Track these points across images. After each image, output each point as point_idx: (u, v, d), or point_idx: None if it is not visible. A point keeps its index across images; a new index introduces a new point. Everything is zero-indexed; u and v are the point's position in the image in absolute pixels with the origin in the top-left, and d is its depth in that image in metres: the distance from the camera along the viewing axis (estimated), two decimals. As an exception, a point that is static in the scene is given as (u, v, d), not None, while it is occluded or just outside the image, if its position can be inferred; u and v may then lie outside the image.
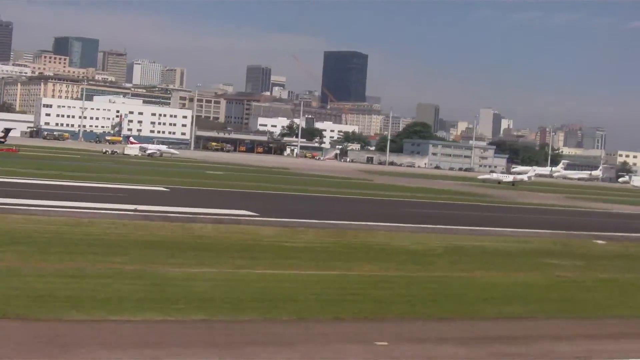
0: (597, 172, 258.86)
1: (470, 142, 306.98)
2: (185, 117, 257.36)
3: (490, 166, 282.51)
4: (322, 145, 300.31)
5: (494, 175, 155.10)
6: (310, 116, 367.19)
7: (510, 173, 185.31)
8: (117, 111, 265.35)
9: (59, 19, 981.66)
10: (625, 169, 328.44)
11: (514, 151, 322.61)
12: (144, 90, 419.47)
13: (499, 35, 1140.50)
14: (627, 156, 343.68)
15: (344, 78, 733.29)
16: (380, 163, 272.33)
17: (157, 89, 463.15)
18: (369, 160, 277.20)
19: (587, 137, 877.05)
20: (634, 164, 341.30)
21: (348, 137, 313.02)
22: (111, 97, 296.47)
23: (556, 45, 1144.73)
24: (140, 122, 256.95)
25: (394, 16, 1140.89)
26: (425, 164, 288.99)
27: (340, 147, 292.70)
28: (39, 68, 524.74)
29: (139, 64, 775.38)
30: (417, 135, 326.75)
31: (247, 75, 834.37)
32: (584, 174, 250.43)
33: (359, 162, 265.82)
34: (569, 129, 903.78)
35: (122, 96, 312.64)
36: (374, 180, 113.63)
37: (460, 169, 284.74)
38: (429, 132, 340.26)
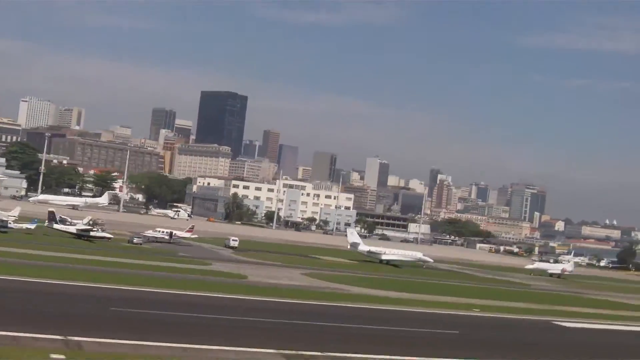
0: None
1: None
2: None
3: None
4: None
5: None
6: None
7: None
8: None
9: None
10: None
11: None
12: None
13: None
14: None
15: (218, 119, 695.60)
16: None
17: None
18: None
19: (516, 195, 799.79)
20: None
21: None
22: None
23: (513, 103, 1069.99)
24: None
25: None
26: None
27: None
28: None
29: (26, 101, 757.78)
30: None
31: (152, 118, 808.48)
32: None
33: None
34: (507, 188, 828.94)
35: None
36: None
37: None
38: (31, 156, 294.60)
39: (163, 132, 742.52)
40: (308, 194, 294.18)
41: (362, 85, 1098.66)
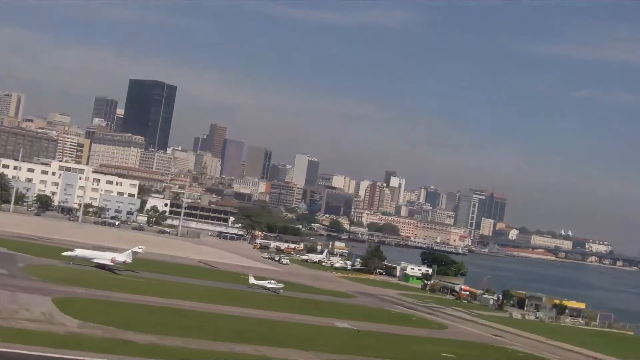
0: None
1: None
2: None
3: None
4: None
5: None
6: None
7: None
8: None
9: None
10: None
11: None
12: None
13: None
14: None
15: (144, 109, 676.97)
16: None
17: None
18: None
19: (464, 200, 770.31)
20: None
21: None
22: None
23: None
24: None
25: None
26: None
27: None
28: None
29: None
30: None
31: (94, 107, 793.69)
32: None
33: None
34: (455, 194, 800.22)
35: None
36: None
37: None
38: None
39: (96, 120, 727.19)
40: (87, 179, 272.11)
41: (335, 83, 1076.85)
